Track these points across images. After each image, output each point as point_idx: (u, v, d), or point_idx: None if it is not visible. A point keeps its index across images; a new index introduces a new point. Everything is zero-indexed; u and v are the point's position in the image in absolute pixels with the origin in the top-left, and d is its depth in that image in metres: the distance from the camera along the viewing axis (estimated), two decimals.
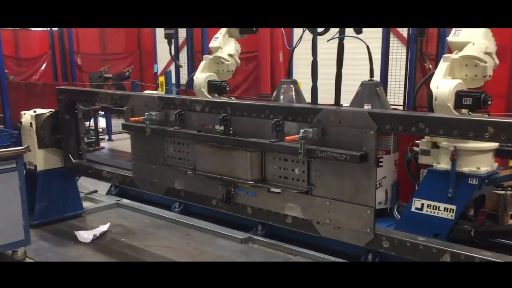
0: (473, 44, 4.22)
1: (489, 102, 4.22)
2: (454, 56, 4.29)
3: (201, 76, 6.22)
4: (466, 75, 4.26)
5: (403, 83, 7.13)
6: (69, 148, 5.99)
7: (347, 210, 3.58)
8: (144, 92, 8.69)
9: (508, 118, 2.93)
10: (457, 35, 4.32)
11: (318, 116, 3.59)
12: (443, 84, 4.21)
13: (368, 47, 5.45)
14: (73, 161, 5.94)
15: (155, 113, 4.53)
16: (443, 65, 4.32)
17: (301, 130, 3.52)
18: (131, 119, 4.81)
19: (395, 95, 7.31)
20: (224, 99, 4.24)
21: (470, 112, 4.23)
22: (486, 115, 4.39)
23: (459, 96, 4.17)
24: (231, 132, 4.08)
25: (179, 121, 4.46)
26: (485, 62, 4.20)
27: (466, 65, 4.24)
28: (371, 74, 5.45)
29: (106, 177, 5.61)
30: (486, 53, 4.21)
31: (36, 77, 12.92)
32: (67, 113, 5.88)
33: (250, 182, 4.01)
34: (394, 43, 7.54)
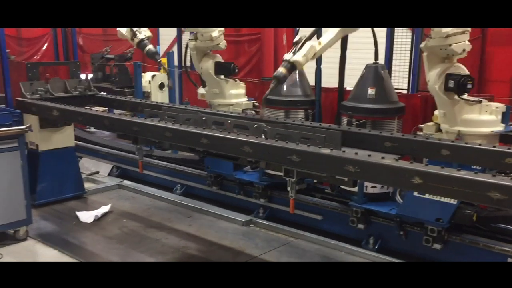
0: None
1: (468, 86, 4.18)
2: (423, 46, 4.30)
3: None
4: (445, 58, 4.25)
5: (408, 67, 7.06)
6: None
7: None
8: (145, 74, 8.63)
9: None
10: None
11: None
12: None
13: (373, 30, 5.38)
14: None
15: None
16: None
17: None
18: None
19: (399, 79, 7.24)
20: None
21: (459, 96, 4.20)
22: (486, 101, 4.34)
23: (446, 79, 4.19)
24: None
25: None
26: (449, 45, 4.15)
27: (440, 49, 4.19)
28: (376, 57, 5.39)
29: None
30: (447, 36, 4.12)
31: (38, 57, 12.79)
32: None
33: None
34: None
